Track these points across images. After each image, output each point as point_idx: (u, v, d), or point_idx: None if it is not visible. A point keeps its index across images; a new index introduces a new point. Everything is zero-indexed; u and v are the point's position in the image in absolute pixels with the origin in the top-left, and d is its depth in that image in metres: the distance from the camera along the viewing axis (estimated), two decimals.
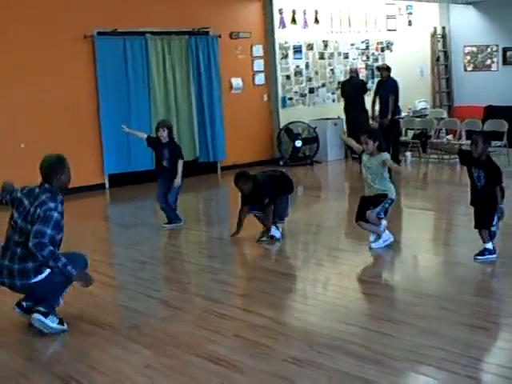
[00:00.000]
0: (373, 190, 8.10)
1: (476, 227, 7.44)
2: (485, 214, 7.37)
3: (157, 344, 5.54)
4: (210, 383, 4.83)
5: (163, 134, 9.62)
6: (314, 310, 6.35)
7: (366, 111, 14.85)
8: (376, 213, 8.09)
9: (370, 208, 8.09)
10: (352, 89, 15.13)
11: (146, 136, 9.97)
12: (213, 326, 5.86)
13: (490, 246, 7.39)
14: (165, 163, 9.61)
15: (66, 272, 5.59)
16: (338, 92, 15.98)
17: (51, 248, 5.49)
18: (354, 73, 15.49)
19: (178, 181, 9.52)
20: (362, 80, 15.84)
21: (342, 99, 15.65)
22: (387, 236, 8.24)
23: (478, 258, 7.38)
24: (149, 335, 5.74)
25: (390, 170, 8.28)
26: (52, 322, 5.75)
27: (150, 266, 8.03)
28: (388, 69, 14.24)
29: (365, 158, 8.16)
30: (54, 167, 5.73)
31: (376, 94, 14.34)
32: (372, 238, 8.20)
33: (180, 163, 9.56)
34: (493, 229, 7.40)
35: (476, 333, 5.59)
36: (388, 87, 13.92)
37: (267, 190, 8.70)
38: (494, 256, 7.37)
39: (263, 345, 5.42)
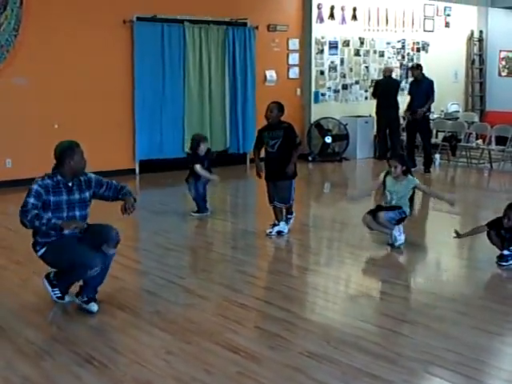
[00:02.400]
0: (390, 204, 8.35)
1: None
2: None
3: (178, 330, 5.67)
4: (228, 371, 4.94)
5: (204, 149, 9.87)
6: (333, 307, 6.47)
7: (398, 109, 14.90)
8: (389, 217, 8.25)
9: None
10: (388, 88, 15.10)
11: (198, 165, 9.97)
12: (233, 316, 5.98)
13: (506, 252, 7.51)
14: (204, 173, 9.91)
15: (52, 225, 5.83)
16: (371, 90, 16.03)
17: (35, 212, 5.76)
18: (389, 72, 15.47)
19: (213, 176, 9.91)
20: (398, 80, 15.83)
21: (373, 98, 15.65)
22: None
23: (503, 264, 7.48)
24: (170, 321, 5.88)
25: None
26: (53, 293, 6.20)
27: (176, 253, 8.17)
28: (418, 67, 14.24)
29: (389, 182, 8.28)
30: (64, 152, 5.98)
31: (410, 93, 14.35)
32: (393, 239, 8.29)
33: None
34: None
35: (492, 339, 5.65)
36: (424, 87, 13.89)
37: None
38: (505, 264, 7.49)
39: (281, 337, 5.53)
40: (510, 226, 7.46)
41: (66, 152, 5.96)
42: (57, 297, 6.23)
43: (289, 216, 8.94)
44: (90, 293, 6.13)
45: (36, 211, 5.77)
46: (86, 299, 6.09)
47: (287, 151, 8.56)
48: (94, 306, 6.05)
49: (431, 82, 13.95)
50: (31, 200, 5.80)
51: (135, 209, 6.19)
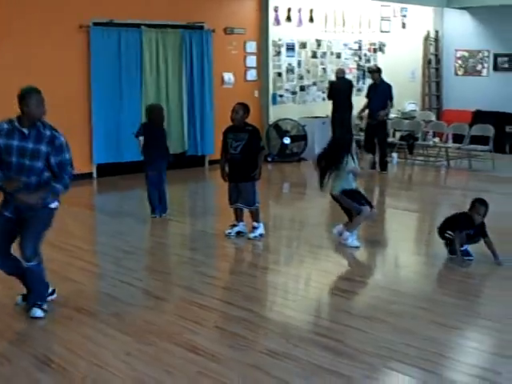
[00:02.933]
0: None
1: None
2: None
3: (137, 332, 5.64)
4: (188, 372, 4.93)
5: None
6: (293, 305, 6.46)
7: (351, 110, 15.00)
8: None
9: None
10: (341, 89, 15.16)
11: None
12: (193, 317, 5.96)
13: (465, 247, 7.68)
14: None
15: None
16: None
17: None
18: (342, 73, 15.52)
19: None
20: (350, 80, 15.86)
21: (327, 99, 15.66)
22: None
23: (470, 259, 7.67)
24: (129, 323, 5.84)
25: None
26: None
27: (134, 256, 8.11)
28: (379, 71, 14.33)
29: (350, 164, 8.38)
30: (22, 97, 5.76)
31: (368, 96, 14.42)
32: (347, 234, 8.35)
33: None
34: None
35: (449, 332, 5.72)
36: (382, 91, 13.96)
37: None
38: (471, 257, 7.66)
39: (242, 336, 5.53)
40: (480, 222, 7.54)
41: (23, 96, 5.74)
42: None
43: (255, 225, 8.75)
44: (35, 299, 6.01)
45: None
46: (30, 305, 6.00)
47: (250, 154, 8.49)
48: (36, 312, 5.92)
49: (390, 87, 14.00)
50: None
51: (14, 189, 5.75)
